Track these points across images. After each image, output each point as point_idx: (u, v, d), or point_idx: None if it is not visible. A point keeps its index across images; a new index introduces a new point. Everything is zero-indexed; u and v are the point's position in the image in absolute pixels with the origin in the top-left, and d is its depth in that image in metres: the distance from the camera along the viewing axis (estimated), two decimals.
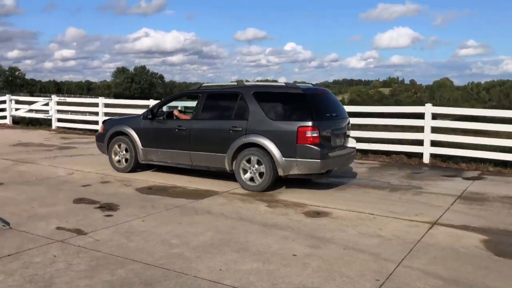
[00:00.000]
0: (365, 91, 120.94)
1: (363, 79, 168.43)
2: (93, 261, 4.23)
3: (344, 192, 7.39)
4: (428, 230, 5.37)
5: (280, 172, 7.17)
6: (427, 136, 10.46)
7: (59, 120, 17.34)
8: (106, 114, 16.26)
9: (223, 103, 7.99)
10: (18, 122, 18.68)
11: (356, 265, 4.25)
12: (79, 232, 5.07)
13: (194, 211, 6.06)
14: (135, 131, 8.59)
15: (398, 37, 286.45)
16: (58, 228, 5.19)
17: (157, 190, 7.31)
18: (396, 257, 4.46)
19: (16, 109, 18.61)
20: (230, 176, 7.70)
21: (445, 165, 10.21)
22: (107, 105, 16.54)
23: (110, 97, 16.90)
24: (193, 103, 9.77)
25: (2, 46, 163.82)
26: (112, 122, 9.39)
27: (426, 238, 5.09)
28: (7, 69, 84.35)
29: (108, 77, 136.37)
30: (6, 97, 18.71)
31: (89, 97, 24.12)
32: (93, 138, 14.68)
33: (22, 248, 4.52)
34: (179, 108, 11.44)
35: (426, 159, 10.49)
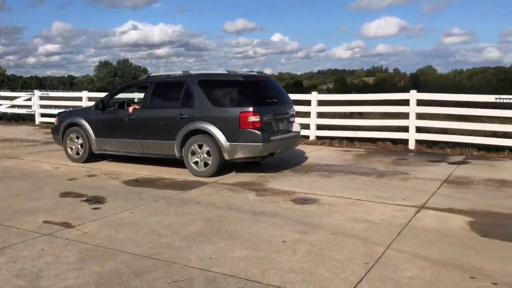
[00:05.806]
0: (349, 80, 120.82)
1: (347, 69, 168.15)
2: (82, 253, 4.19)
3: (331, 179, 7.43)
4: (415, 214, 5.44)
5: (226, 156, 7.39)
6: (412, 122, 10.56)
7: (43, 115, 17.10)
8: None
9: (170, 92, 8.12)
10: (1, 118, 18.36)
11: (345, 250, 4.29)
12: (66, 225, 5.02)
13: (183, 201, 6.04)
14: (87, 122, 8.69)
15: (385, 26, 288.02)
16: (45, 221, 5.13)
17: (144, 182, 7.26)
18: (384, 241, 4.51)
19: None
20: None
21: (430, 150, 10.34)
22: (91, 99, 16.34)
23: (94, 92, 16.63)
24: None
25: None
26: (66, 114, 9.51)
27: (413, 222, 5.15)
28: None
29: (91, 71, 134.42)
30: None
31: (71, 92, 23.72)
32: None
33: (9, 242, 4.47)
34: (135, 100, 11.44)
35: (411, 145, 10.60)
